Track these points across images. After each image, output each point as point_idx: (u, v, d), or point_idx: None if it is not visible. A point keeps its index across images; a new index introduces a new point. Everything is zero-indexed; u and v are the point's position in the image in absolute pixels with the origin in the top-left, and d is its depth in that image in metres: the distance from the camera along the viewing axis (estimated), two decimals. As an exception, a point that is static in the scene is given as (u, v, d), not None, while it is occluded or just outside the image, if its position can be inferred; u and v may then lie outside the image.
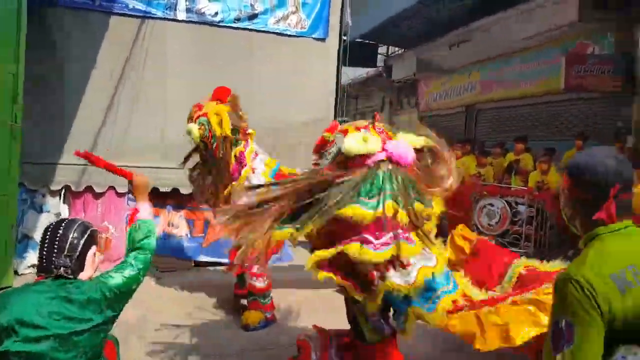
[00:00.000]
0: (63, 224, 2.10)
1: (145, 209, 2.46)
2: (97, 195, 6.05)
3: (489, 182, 8.54)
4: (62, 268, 2.02)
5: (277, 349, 4.09)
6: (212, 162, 4.46)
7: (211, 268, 6.24)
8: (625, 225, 1.56)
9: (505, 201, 7.64)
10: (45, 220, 5.65)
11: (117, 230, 5.99)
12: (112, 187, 6.06)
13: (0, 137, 4.77)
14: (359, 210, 2.59)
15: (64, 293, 1.98)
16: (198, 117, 4.39)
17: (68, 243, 2.04)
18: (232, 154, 4.42)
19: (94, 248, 2.15)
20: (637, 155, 7.65)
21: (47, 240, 2.05)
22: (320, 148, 2.99)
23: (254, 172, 4.42)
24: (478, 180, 8.51)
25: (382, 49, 17.11)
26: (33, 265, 5.40)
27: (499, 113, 12.81)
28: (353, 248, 2.58)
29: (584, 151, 1.79)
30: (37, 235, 5.37)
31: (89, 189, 5.99)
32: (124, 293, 2.13)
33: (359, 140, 2.71)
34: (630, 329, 1.40)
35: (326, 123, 7.01)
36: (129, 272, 2.16)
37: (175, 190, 6.35)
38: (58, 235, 2.05)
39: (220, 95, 4.52)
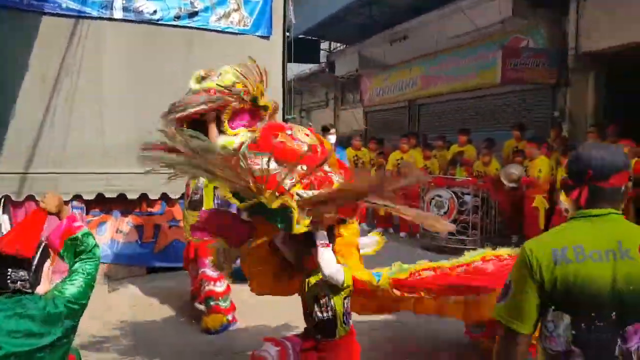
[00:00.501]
0: None
1: (77, 220, 2.34)
2: (41, 205, 5.74)
3: (435, 173, 8.77)
4: (19, 282, 1.93)
5: (239, 353, 4.03)
6: None
7: (165, 274, 6.06)
8: (609, 212, 1.65)
9: (452, 192, 7.88)
10: (-17, 232, 5.30)
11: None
12: (56, 195, 5.77)
13: None
14: None
15: (21, 309, 1.88)
16: None
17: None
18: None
19: (48, 261, 2.07)
20: (565, 141, 8.09)
21: None
22: None
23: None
24: (426, 173, 8.71)
25: (324, 45, 17.19)
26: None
27: (440, 107, 13.19)
28: None
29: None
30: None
31: (31, 198, 5.66)
32: (81, 302, 2.07)
33: None
34: (559, 296, 1.60)
35: (274, 120, 7.05)
36: (81, 280, 2.10)
37: (122, 196, 6.12)
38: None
39: None
